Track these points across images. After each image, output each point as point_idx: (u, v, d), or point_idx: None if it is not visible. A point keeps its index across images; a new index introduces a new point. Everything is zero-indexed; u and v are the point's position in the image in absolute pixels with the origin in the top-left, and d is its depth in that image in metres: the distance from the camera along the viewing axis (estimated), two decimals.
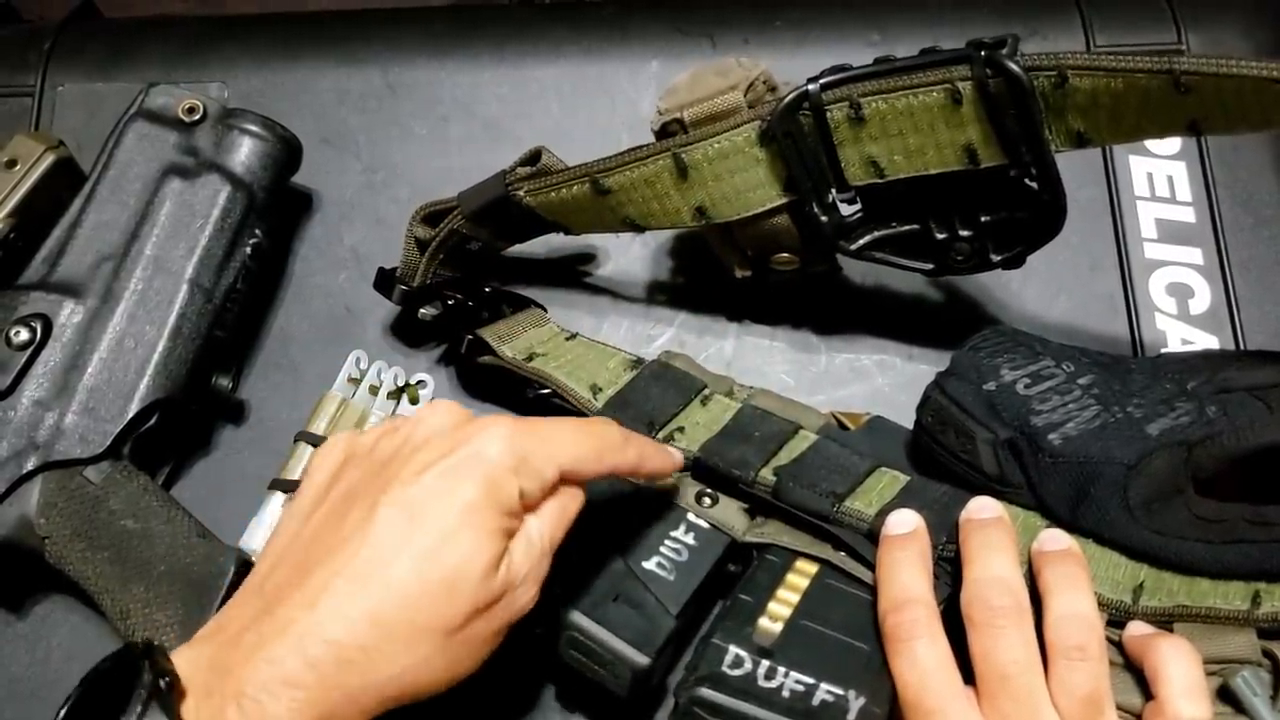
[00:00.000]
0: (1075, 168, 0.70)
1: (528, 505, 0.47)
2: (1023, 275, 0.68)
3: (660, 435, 0.59)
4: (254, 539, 0.62)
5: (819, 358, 0.68)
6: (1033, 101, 0.53)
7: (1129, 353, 0.67)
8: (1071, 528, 0.53)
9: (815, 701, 0.47)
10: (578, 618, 0.52)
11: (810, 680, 0.48)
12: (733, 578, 0.55)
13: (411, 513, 0.44)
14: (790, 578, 0.53)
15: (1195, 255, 0.70)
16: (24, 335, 0.61)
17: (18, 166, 0.65)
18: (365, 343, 0.68)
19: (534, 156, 0.63)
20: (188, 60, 0.78)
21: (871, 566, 0.52)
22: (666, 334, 0.69)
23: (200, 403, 0.65)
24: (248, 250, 0.66)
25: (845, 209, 0.61)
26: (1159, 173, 0.72)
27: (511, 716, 0.59)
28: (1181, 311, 0.68)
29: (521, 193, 0.63)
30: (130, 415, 0.61)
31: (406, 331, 0.69)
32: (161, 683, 0.41)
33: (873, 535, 0.53)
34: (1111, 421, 0.53)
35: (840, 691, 0.47)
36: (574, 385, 0.61)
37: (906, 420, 0.59)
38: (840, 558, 0.53)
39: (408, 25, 0.80)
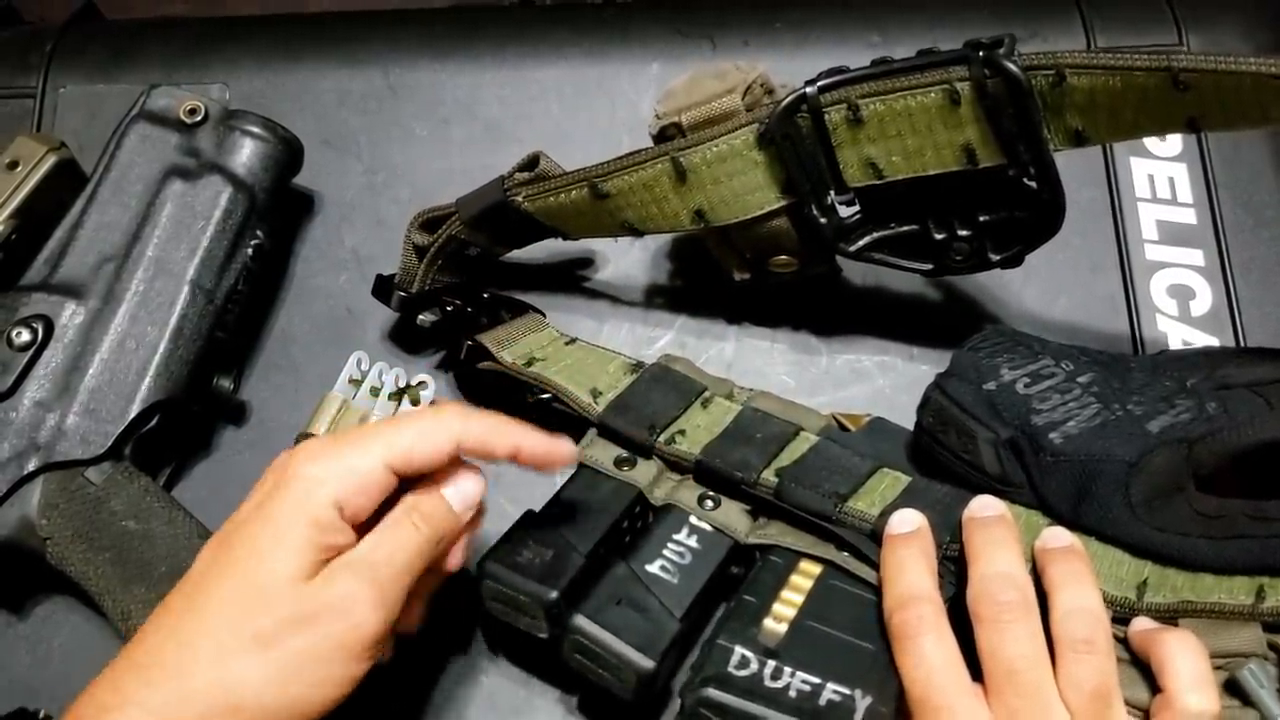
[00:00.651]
0: (1076, 169, 0.70)
1: (355, 520, 0.48)
2: (1023, 276, 0.68)
3: (661, 438, 0.59)
4: None
5: (819, 359, 0.68)
6: (1031, 101, 0.53)
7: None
8: (1073, 526, 0.52)
9: (822, 701, 0.47)
10: (582, 622, 0.51)
11: (816, 680, 0.48)
12: (736, 580, 0.55)
13: (223, 541, 0.48)
14: (794, 579, 0.53)
15: (1196, 257, 0.70)
16: (25, 336, 0.61)
17: (19, 168, 0.65)
18: (366, 344, 0.68)
19: (532, 162, 0.63)
20: (189, 62, 0.78)
21: (875, 566, 0.52)
22: (666, 336, 0.69)
23: (201, 404, 0.66)
24: (249, 251, 0.66)
25: (844, 211, 0.61)
26: (1160, 174, 0.72)
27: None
28: (1182, 313, 0.68)
29: (520, 198, 0.63)
30: (131, 416, 0.61)
31: (408, 333, 0.69)
32: None
33: (876, 535, 0.53)
34: (1112, 419, 0.53)
35: (847, 691, 0.47)
36: (574, 389, 0.61)
37: (907, 421, 0.59)
38: (844, 558, 0.53)
39: (409, 27, 0.80)
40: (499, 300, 0.68)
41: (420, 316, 0.65)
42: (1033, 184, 0.56)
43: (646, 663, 0.50)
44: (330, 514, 0.46)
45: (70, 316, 0.62)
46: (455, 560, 0.53)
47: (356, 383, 0.66)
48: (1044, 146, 0.54)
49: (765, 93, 0.60)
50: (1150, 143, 0.72)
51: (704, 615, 0.56)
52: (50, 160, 0.66)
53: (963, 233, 0.59)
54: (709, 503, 0.57)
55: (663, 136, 0.60)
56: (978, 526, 0.52)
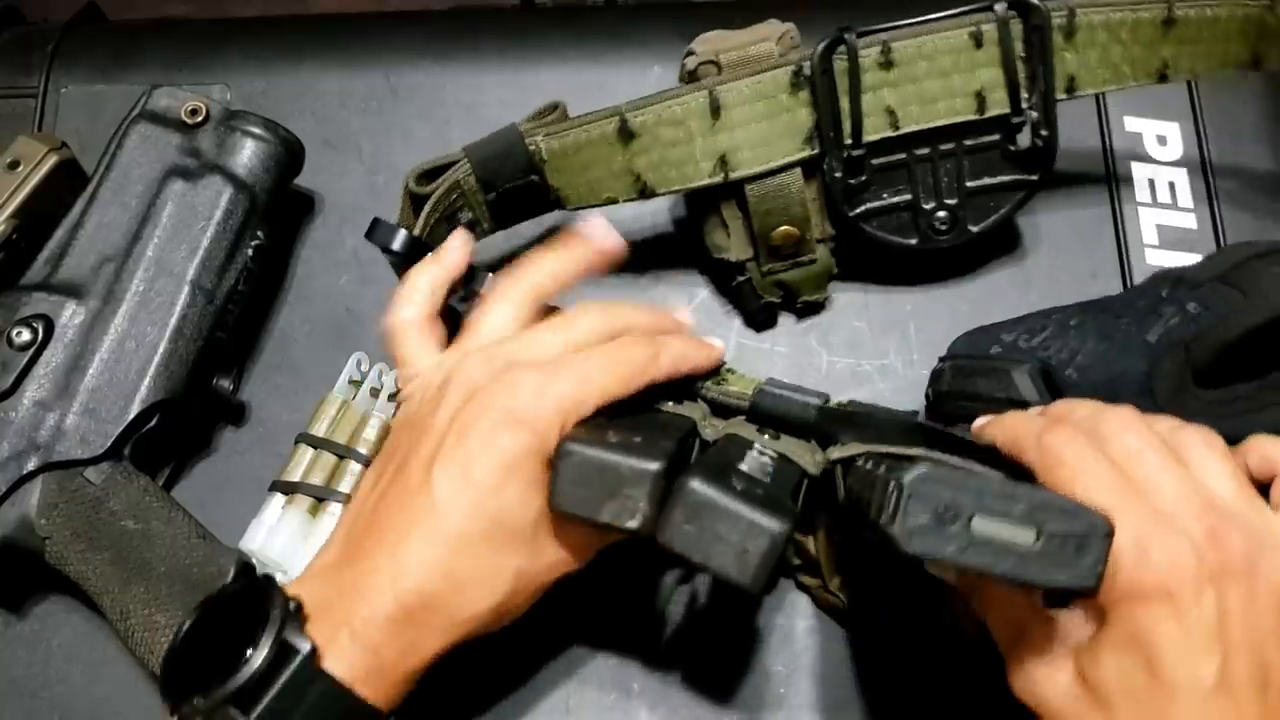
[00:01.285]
0: (1077, 174, 0.71)
1: None
2: (1024, 282, 0.68)
3: (707, 383, 0.59)
4: (254, 540, 0.62)
5: (819, 362, 0.68)
6: (1049, 34, 0.60)
7: None
8: None
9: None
10: (697, 485, 0.45)
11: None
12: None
13: (462, 471, 0.48)
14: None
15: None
16: (26, 336, 0.61)
17: (20, 168, 0.65)
18: (366, 345, 0.68)
19: (553, 106, 0.64)
20: (191, 62, 0.78)
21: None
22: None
23: (201, 404, 0.66)
24: (249, 252, 0.66)
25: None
26: (1160, 179, 0.72)
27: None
28: None
29: (539, 137, 0.62)
30: (131, 416, 0.61)
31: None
32: (291, 605, 0.47)
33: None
34: (1115, 342, 0.57)
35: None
36: None
37: None
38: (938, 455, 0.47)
39: (410, 28, 0.80)
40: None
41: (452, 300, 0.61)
42: (1033, 124, 0.62)
43: (778, 524, 0.45)
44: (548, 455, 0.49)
45: (70, 316, 0.62)
46: None
47: (356, 384, 0.67)
48: (1052, 80, 0.60)
49: (793, 47, 0.62)
50: (1151, 147, 0.72)
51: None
52: (51, 160, 0.66)
53: (949, 202, 0.63)
54: (768, 435, 0.55)
55: (696, 76, 0.62)
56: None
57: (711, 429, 0.55)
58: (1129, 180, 0.72)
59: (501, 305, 0.56)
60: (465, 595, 0.48)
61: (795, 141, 0.61)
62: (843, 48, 0.60)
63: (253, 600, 0.47)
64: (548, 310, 0.58)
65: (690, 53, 0.62)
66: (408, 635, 0.48)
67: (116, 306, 0.62)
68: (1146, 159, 0.72)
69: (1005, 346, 0.60)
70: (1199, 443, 0.47)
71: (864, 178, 0.63)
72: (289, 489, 0.63)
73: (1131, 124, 0.73)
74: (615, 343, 0.54)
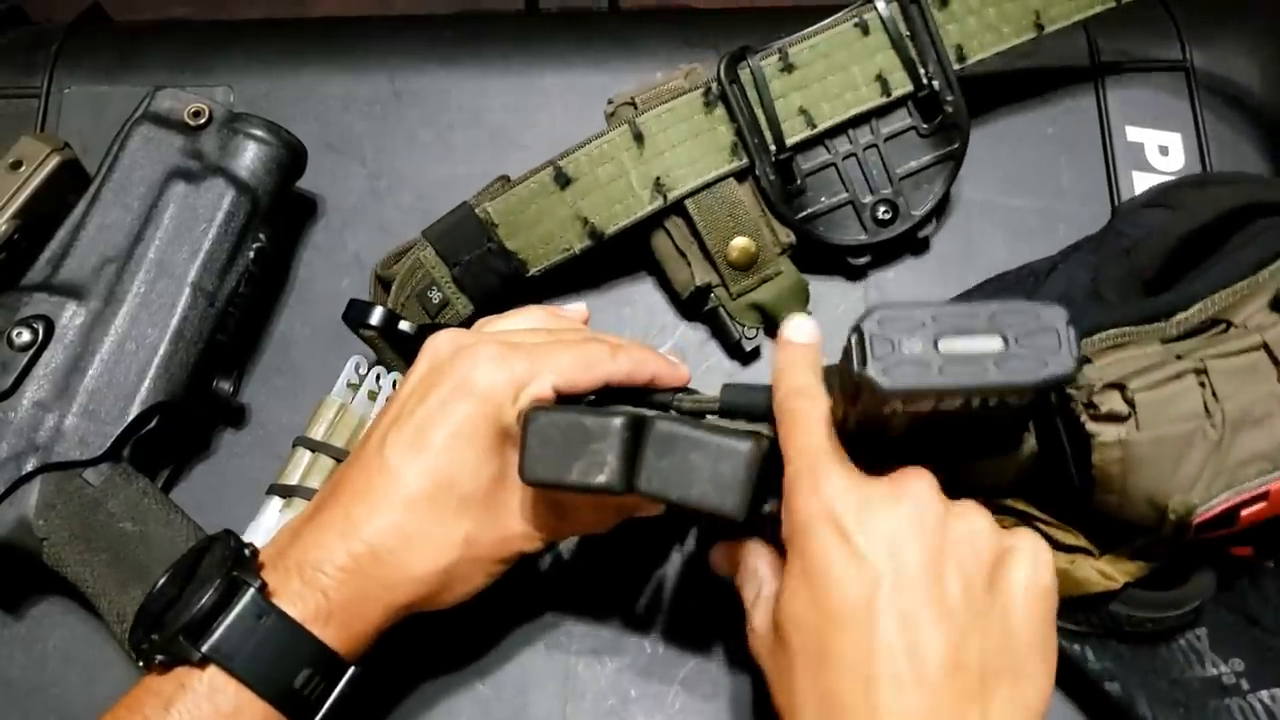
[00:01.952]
0: (1079, 184, 0.71)
1: None
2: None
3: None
4: (253, 542, 0.62)
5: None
6: (923, 9, 0.64)
7: None
8: None
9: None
10: (664, 424, 0.47)
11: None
12: None
13: (415, 434, 0.50)
14: None
15: None
16: (26, 336, 0.61)
17: (23, 168, 0.65)
18: (366, 348, 0.68)
19: (499, 178, 0.66)
20: (194, 64, 0.78)
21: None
22: (667, 345, 0.69)
23: (201, 406, 0.65)
24: (251, 255, 0.66)
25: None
26: None
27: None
28: None
29: (486, 203, 0.64)
30: (130, 418, 0.61)
31: (405, 340, 0.69)
32: (245, 550, 0.50)
33: None
34: (1068, 266, 0.64)
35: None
36: None
37: None
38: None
39: (415, 32, 0.80)
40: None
41: (403, 324, 0.63)
42: (939, 94, 0.65)
43: (746, 443, 0.46)
44: (515, 426, 0.51)
45: (71, 317, 0.62)
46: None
47: (354, 387, 0.67)
48: (942, 50, 0.65)
49: (700, 81, 0.65)
50: (1153, 157, 0.72)
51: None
52: (54, 161, 0.66)
53: (884, 192, 0.67)
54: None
55: (617, 117, 0.65)
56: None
57: None
58: (1131, 190, 0.71)
59: (526, 313, 0.58)
60: (413, 553, 0.50)
61: (722, 155, 0.65)
62: (744, 63, 0.64)
63: (211, 549, 0.51)
64: None
65: (609, 101, 0.67)
66: (355, 583, 0.49)
67: (117, 308, 0.62)
68: (1148, 169, 0.72)
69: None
70: None
71: (798, 182, 0.66)
72: (286, 492, 0.63)
73: (1133, 134, 0.73)
74: (577, 336, 0.56)
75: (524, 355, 0.52)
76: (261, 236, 0.67)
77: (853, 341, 0.41)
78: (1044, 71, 0.75)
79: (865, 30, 0.65)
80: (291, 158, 0.68)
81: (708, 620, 0.62)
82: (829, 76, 0.65)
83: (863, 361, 0.41)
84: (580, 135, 0.67)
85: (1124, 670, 0.55)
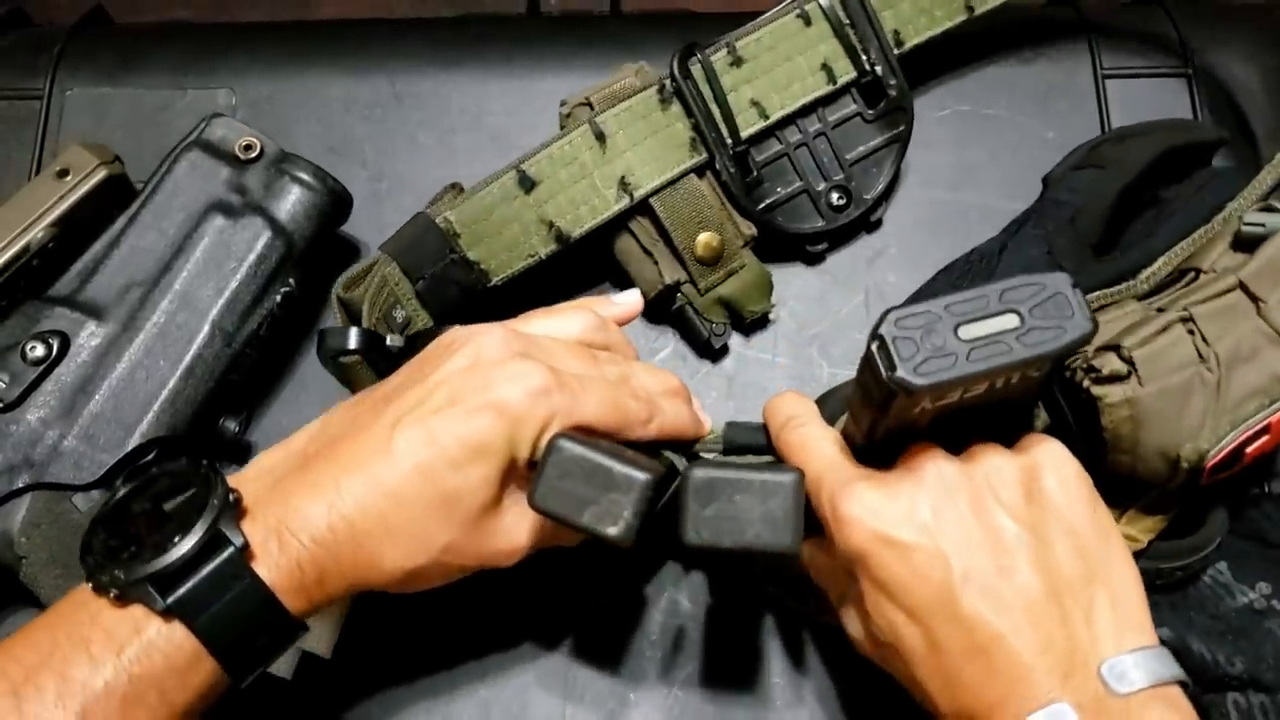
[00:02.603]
0: None
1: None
2: None
3: None
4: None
5: (821, 373, 0.68)
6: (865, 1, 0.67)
7: None
8: None
9: None
10: (702, 470, 0.47)
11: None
12: None
13: (430, 436, 0.49)
14: None
15: None
16: (40, 351, 0.60)
17: (69, 177, 0.64)
18: None
19: (451, 186, 0.66)
20: (196, 67, 0.77)
21: None
22: (667, 349, 0.69)
23: (203, 444, 0.64)
24: (277, 298, 0.65)
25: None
26: None
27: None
28: None
29: (446, 212, 0.63)
30: (128, 449, 0.60)
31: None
32: (230, 497, 0.48)
33: None
34: (1016, 245, 0.64)
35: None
36: None
37: None
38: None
39: (416, 35, 0.80)
40: None
41: (390, 338, 0.61)
42: (882, 79, 0.67)
43: (791, 476, 0.47)
44: (527, 458, 0.50)
45: (88, 337, 0.62)
46: None
47: None
48: (882, 36, 0.67)
49: (649, 79, 0.66)
50: None
51: None
52: (100, 174, 0.65)
53: (836, 178, 0.68)
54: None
55: (574, 118, 0.66)
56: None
57: None
58: None
59: (575, 315, 0.58)
60: (390, 547, 0.49)
61: (683, 151, 0.65)
62: (695, 58, 0.65)
63: (194, 482, 0.49)
64: None
65: (563, 103, 0.67)
66: (328, 557, 0.48)
67: (134, 335, 0.62)
68: None
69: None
70: None
71: (755, 174, 0.67)
72: None
73: None
74: (622, 389, 0.54)
75: (568, 394, 0.51)
76: (291, 281, 0.65)
77: (874, 350, 0.43)
78: (1045, 76, 0.75)
79: (808, 21, 0.67)
80: (334, 206, 0.67)
81: (708, 622, 0.62)
82: (776, 68, 0.67)
83: (890, 366, 0.42)
84: None
85: (1168, 616, 0.56)
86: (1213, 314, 0.51)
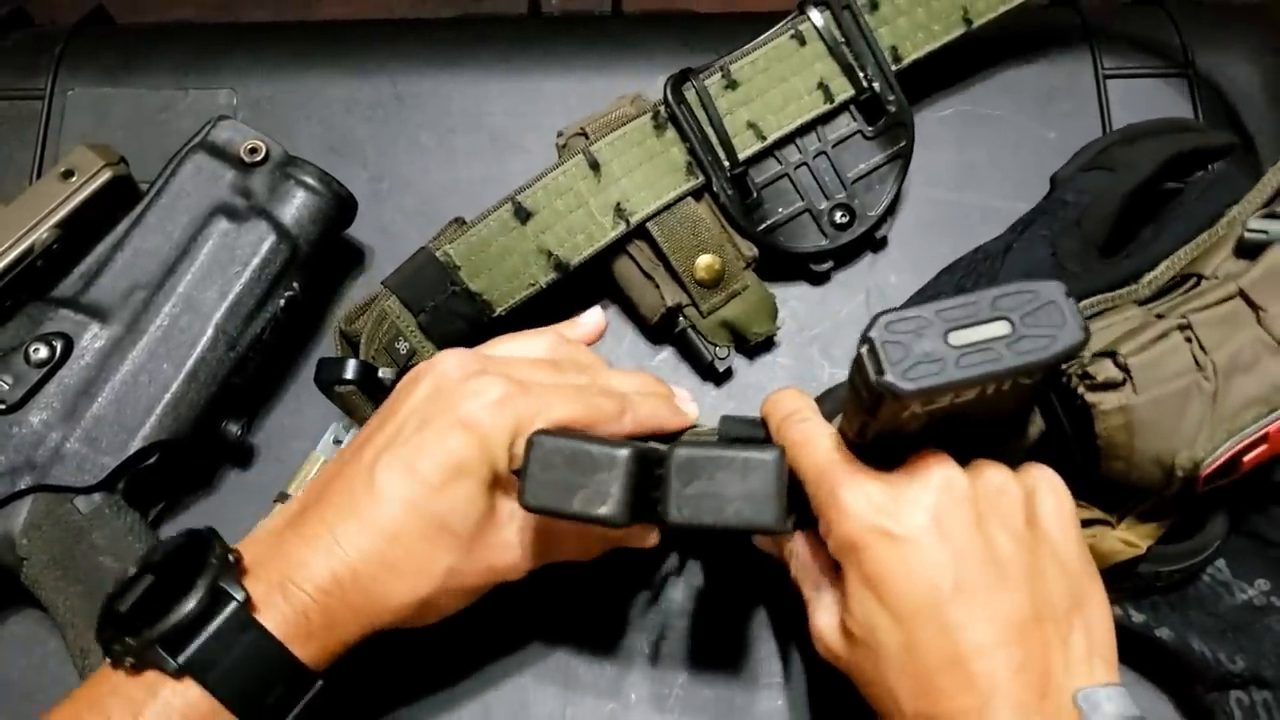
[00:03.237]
0: None
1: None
2: None
3: None
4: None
5: (822, 374, 0.68)
6: (855, 14, 0.66)
7: None
8: None
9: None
10: (683, 450, 0.47)
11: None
12: None
13: (409, 467, 0.50)
14: None
15: None
16: (43, 353, 0.60)
17: (74, 178, 0.64)
18: None
19: (454, 221, 0.65)
20: (197, 67, 0.77)
21: None
22: (667, 351, 0.69)
23: (205, 447, 0.65)
24: (281, 302, 0.65)
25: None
26: None
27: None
28: None
29: (446, 246, 0.63)
30: (130, 452, 0.60)
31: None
32: (230, 557, 0.49)
33: None
34: (1022, 247, 0.63)
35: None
36: None
37: None
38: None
39: (417, 35, 0.79)
40: None
41: (382, 371, 0.61)
42: (886, 102, 0.67)
43: (772, 453, 0.46)
44: (507, 468, 0.51)
45: (91, 339, 0.62)
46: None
47: (340, 444, 0.65)
48: (879, 53, 0.66)
49: (645, 107, 0.66)
50: None
51: None
52: (105, 175, 0.65)
53: (839, 197, 0.67)
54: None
55: (569, 149, 0.65)
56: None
57: None
58: None
59: (539, 337, 0.58)
60: (395, 583, 0.50)
61: (678, 175, 0.65)
62: (689, 84, 0.65)
63: (194, 550, 0.49)
64: None
65: (559, 134, 0.67)
66: (335, 604, 0.49)
67: (138, 337, 0.62)
68: None
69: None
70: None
71: (754, 195, 0.67)
72: None
73: None
74: (590, 389, 0.55)
75: (532, 401, 0.51)
76: (295, 285, 0.65)
77: (863, 353, 0.42)
78: (1046, 76, 0.75)
79: (802, 41, 0.66)
80: (339, 210, 0.67)
81: (707, 622, 0.62)
82: (771, 89, 0.66)
83: (879, 370, 0.41)
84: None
85: (1168, 616, 0.57)
86: (1213, 321, 0.51)
